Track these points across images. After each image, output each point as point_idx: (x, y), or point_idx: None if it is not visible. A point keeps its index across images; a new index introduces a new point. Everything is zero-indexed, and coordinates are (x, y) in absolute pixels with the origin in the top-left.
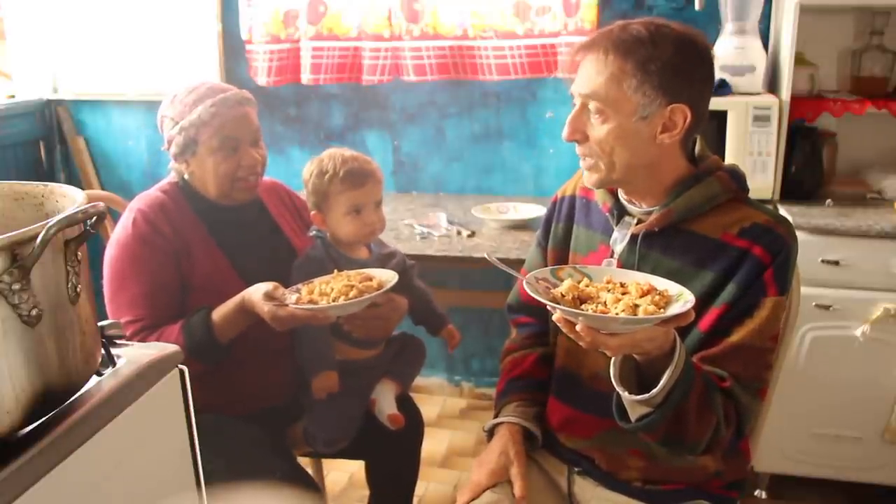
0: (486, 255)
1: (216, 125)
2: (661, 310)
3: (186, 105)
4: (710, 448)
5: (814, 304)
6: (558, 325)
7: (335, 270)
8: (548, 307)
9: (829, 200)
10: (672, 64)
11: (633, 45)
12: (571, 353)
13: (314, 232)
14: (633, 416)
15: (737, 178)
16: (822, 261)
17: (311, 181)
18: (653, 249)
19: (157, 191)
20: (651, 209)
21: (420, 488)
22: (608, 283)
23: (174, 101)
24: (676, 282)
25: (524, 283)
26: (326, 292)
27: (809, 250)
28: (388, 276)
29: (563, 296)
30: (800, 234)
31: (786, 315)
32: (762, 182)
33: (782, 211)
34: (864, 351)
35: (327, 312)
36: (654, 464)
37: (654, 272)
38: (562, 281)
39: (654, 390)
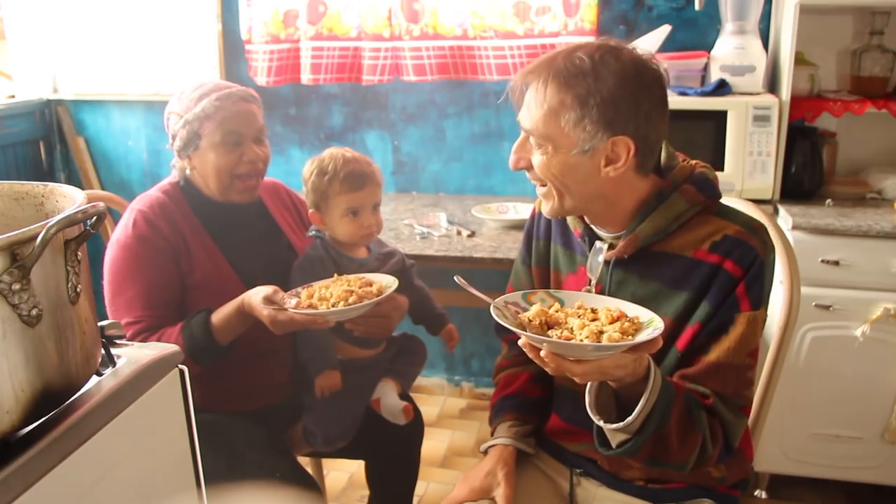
0: (455, 279)
1: (219, 119)
2: (629, 337)
3: (192, 100)
4: (699, 466)
5: (814, 304)
6: (524, 350)
7: (335, 270)
8: (514, 332)
9: (829, 200)
10: (613, 98)
11: (573, 78)
12: None
13: (313, 232)
14: (613, 443)
15: (705, 187)
16: (822, 261)
17: (310, 180)
18: (629, 273)
19: (157, 191)
20: (619, 234)
21: (420, 488)
22: (579, 308)
23: (181, 97)
24: (654, 304)
25: (491, 308)
26: (326, 297)
27: (809, 250)
28: (389, 282)
29: (530, 321)
30: (800, 234)
31: (786, 315)
32: (762, 182)
33: (782, 211)
34: (863, 351)
35: (326, 317)
36: None
37: (633, 296)
38: (532, 305)
39: (629, 418)
